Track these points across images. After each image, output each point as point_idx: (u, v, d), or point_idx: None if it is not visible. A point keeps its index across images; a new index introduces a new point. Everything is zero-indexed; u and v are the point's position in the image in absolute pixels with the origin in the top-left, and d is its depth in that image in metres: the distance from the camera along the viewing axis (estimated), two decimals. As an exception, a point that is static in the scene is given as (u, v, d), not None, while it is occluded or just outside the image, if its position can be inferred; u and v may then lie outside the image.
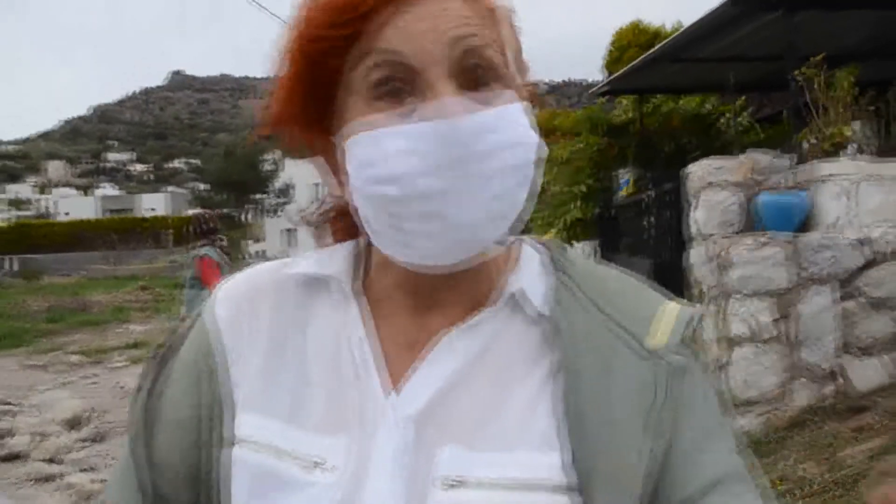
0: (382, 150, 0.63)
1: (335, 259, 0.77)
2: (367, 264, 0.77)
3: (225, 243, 7.04)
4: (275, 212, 52.21)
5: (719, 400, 0.72)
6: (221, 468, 0.71)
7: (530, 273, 0.73)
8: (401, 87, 0.64)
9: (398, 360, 0.71)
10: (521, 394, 0.68)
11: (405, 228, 0.64)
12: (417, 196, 0.62)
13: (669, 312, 0.71)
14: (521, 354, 0.70)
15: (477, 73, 0.65)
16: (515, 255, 0.76)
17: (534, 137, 0.67)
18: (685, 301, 0.75)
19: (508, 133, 0.64)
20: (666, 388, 0.66)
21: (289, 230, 53.65)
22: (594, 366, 0.67)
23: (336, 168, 0.70)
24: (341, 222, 0.79)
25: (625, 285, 0.75)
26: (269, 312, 0.76)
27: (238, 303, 0.77)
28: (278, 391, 0.71)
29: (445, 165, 0.62)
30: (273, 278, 0.79)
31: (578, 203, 10.40)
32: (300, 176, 52.35)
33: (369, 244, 0.74)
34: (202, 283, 6.41)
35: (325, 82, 0.68)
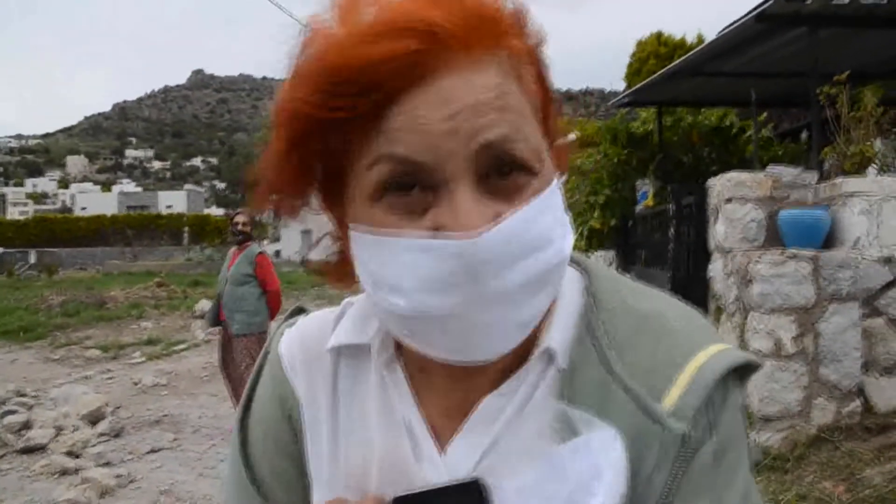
0: (389, 258, 0.58)
1: (368, 325, 0.73)
2: None
3: (265, 242, 6.71)
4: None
5: (735, 497, 0.62)
6: None
7: (562, 321, 0.68)
8: (420, 198, 0.57)
9: (441, 426, 0.69)
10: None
11: (417, 341, 0.61)
12: (425, 313, 0.57)
13: (692, 366, 0.63)
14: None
15: (509, 176, 0.58)
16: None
17: (568, 240, 0.62)
18: (731, 346, 0.67)
19: (543, 254, 0.58)
20: (663, 455, 0.61)
21: (305, 232, 53.87)
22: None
23: (341, 231, 0.67)
24: (348, 269, 0.68)
25: (658, 329, 0.66)
26: (326, 382, 0.74)
27: (297, 369, 0.77)
28: (338, 463, 0.72)
29: (455, 288, 0.56)
30: (322, 338, 0.76)
31: (597, 213, 10.41)
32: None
33: None
34: (259, 280, 6.33)
35: (324, 153, 0.61)
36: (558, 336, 0.67)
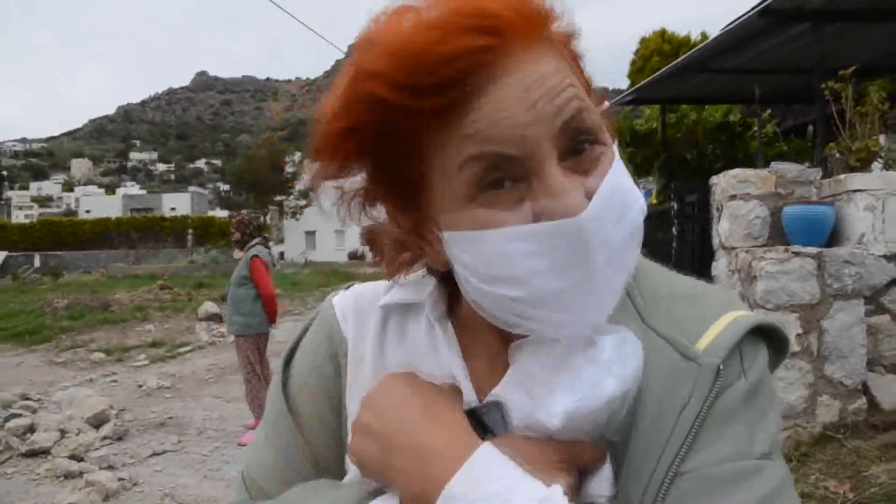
0: (500, 252, 0.59)
1: (424, 285, 0.78)
2: (452, 291, 0.76)
3: (271, 244, 6.91)
4: (294, 214, 52.42)
5: (764, 436, 0.65)
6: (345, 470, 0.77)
7: None
8: (512, 188, 0.59)
9: (483, 381, 0.72)
10: None
11: (519, 322, 0.63)
12: (543, 296, 0.59)
13: (725, 319, 0.68)
14: None
15: (584, 151, 0.61)
16: None
17: (637, 192, 0.65)
18: (759, 314, 0.72)
19: (622, 199, 0.61)
20: (693, 388, 0.64)
21: (309, 233, 53.94)
22: None
23: (414, 233, 0.68)
24: (399, 255, 0.73)
25: (690, 294, 0.72)
26: (374, 331, 0.79)
27: (349, 318, 0.82)
28: None
29: (572, 264, 0.58)
30: (375, 299, 0.82)
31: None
32: (321, 179, 52.54)
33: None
34: (253, 282, 6.41)
35: (403, 156, 0.62)
36: None
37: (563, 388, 0.62)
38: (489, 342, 0.73)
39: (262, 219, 52.67)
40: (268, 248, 6.84)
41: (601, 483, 0.65)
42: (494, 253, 0.59)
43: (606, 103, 0.70)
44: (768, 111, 10.38)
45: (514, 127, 0.57)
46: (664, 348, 0.66)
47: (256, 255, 6.47)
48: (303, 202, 52.06)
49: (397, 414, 0.66)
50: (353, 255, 45.32)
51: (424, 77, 0.56)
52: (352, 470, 0.73)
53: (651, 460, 0.63)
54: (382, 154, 0.62)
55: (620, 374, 0.62)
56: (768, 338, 0.70)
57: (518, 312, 0.62)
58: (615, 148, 0.65)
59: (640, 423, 0.64)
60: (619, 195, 0.61)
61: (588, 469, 0.64)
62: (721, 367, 0.64)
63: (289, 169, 51.29)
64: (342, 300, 0.84)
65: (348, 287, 0.87)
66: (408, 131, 0.60)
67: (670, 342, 0.66)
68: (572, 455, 0.63)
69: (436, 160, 0.61)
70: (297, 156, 55.38)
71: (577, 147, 0.60)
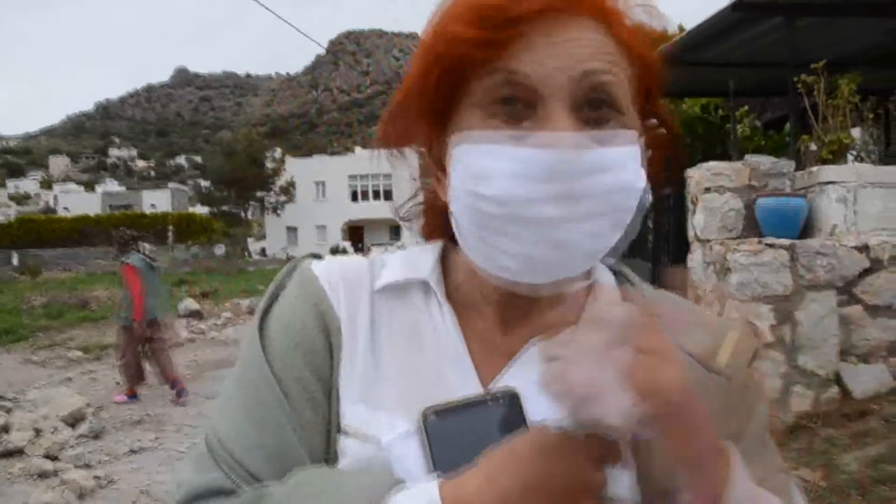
0: (488, 167, 0.64)
1: (423, 262, 0.80)
2: (452, 268, 0.80)
3: (149, 252, 8.49)
4: (275, 210, 52.18)
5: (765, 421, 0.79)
6: (333, 452, 0.72)
7: (605, 294, 0.75)
8: (521, 110, 0.66)
9: (483, 363, 0.74)
10: None
11: (493, 243, 0.66)
12: (513, 219, 0.64)
13: (732, 337, 0.76)
14: None
15: (600, 110, 0.66)
16: (589, 274, 0.77)
17: (640, 183, 0.68)
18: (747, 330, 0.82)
19: (616, 176, 0.65)
20: (728, 397, 0.72)
21: (290, 228, 53.70)
22: None
23: (438, 165, 0.74)
24: (433, 219, 0.83)
25: (692, 310, 0.83)
26: (366, 307, 0.78)
27: (338, 290, 0.78)
28: (379, 385, 0.73)
29: (547, 197, 0.62)
30: (363, 274, 0.80)
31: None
32: (302, 174, 52.39)
33: (455, 249, 0.78)
34: (123, 285, 8.05)
35: (450, 82, 0.69)
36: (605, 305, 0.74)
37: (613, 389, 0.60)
38: (488, 326, 0.76)
39: (243, 214, 52.47)
40: (145, 255, 8.33)
41: (620, 484, 0.66)
42: (479, 154, 0.65)
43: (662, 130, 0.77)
44: (745, 106, 10.44)
45: (545, 64, 0.65)
46: (687, 358, 0.69)
47: (128, 263, 8.04)
48: (283, 198, 51.81)
49: None
50: (335, 251, 45.23)
51: (486, 21, 0.65)
52: (349, 455, 0.70)
53: None
54: (441, 82, 0.69)
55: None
56: None
57: (486, 227, 0.65)
58: (639, 138, 0.69)
59: None
60: (608, 152, 0.64)
61: (610, 468, 0.63)
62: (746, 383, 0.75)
63: (269, 164, 51.04)
64: (326, 272, 0.79)
65: (315, 256, 0.84)
66: (464, 62, 0.67)
67: (692, 355, 0.71)
68: (604, 452, 0.62)
69: (472, 88, 0.68)
70: (278, 152, 55.09)
71: (591, 102, 0.66)
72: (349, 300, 0.77)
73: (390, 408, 0.71)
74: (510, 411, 0.64)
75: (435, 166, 0.75)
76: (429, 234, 0.85)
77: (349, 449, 0.70)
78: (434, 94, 0.71)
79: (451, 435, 0.65)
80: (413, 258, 0.81)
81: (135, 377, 8.23)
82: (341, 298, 0.77)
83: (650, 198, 0.70)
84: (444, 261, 0.80)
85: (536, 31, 0.65)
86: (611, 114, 0.67)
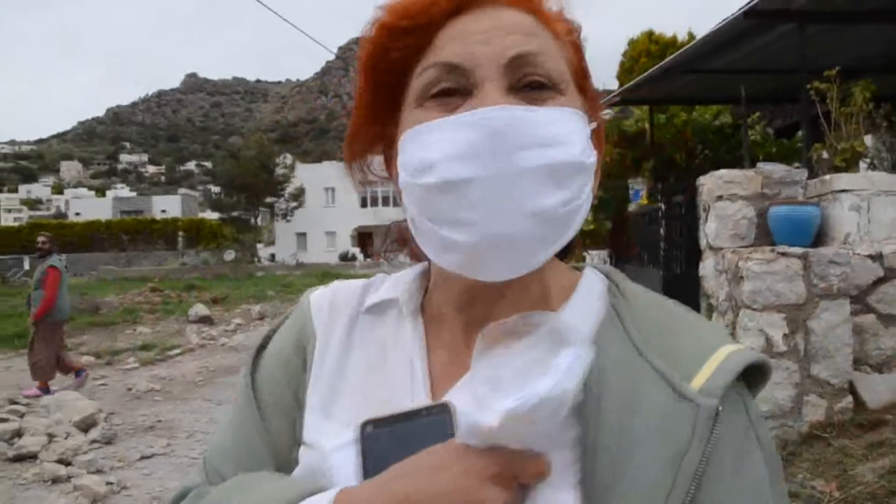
0: (428, 157, 0.65)
1: (402, 282, 0.83)
2: (429, 284, 0.82)
3: (64, 258, 9.78)
4: (285, 216, 52.29)
5: (771, 468, 0.67)
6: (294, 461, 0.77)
7: (583, 304, 0.74)
8: (453, 89, 0.68)
9: (444, 375, 0.74)
10: None
11: (446, 234, 0.65)
12: (453, 182, 0.63)
13: (720, 355, 0.67)
14: None
15: (539, 90, 0.67)
16: (574, 284, 0.77)
17: (590, 160, 0.68)
18: (750, 347, 0.72)
19: (549, 130, 0.64)
20: (693, 433, 0.62)
21: (300, 234, 53.81)
22: (618, 404, 0.64)
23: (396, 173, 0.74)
24: (411, 247, 0.85)
25: (684, 325, 0.72)
26: (343, 327, 0.82)
27: (323, 313, 0.84)
28: (339, 398, 0.77)
29: (489, 176, 0.62)
30: (353, 296, 0.85)
31: (590, 215, 10.40)
32: (312, 180, 52.51)
33: (430, 264, 0.80)
34: (43, 285, 8.84)
35: (390, 85, 0.72)
36: (577, 314, 0.73)
37: (508, 390, 0.59)
38: (454, 337, 0.76)
39: (252, 220, 52.59)
40: (61, 258, 9.52)
41: (557, 501, 0.62)
42: (418, 147, 0.66)
43: (609, 111, 0.73)
44: (757, 113, 10.43)
45: (465, 43, 0.67)
46: (657, 383, 0.64)
47: (52, 266, 8.99)
48: (293, 204, 51.91)
49: None
50: (344, 257, 45.26)
51: (409, 20, 0.69)
52: (302, 463, 0.74)
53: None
54: (381, 87, 0.73)
55: (563, 381, 0.58)
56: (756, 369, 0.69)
57: (439, 216, 0.65)
58: (582, 116, 0.70)
59: (628, 461, 0.62)
60: (544, 125, 0.64)
61: (531, 484, 0.61)
62: (720, 408, 0.63)
63: (279, 171, 51.16)
64: (319, 296, 0.86)
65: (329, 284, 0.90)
66: (399, 61, 0.70)
67: (665, 377, 0.65)
68: (513, 467, 0.60)
69: (411, 89, 0.70)
70: (288, 158, 55.25)
71: (529, 84, 0.67)
72: (329, 321, 0.82)
73: (343, 420, 0.73)
74: (441, 424, 0.65)
75: (394, 178, 0.76)
76: (415, 257, 0.87)
77: (301, 458, 0.75)
78: (377, 101, 0.74)
79: (385, 446, 0.66)
80: (400, 277, 0.84)
81: (49, 371, 8.93)
82: (323, 318, 0.83)
83: (594, 162, 0.70)
84: (424, 276, 0.83)
85: (465, 22, 0.68)
86: (549, 94, 0.68)
